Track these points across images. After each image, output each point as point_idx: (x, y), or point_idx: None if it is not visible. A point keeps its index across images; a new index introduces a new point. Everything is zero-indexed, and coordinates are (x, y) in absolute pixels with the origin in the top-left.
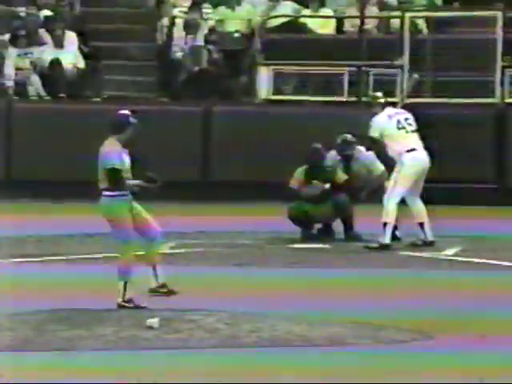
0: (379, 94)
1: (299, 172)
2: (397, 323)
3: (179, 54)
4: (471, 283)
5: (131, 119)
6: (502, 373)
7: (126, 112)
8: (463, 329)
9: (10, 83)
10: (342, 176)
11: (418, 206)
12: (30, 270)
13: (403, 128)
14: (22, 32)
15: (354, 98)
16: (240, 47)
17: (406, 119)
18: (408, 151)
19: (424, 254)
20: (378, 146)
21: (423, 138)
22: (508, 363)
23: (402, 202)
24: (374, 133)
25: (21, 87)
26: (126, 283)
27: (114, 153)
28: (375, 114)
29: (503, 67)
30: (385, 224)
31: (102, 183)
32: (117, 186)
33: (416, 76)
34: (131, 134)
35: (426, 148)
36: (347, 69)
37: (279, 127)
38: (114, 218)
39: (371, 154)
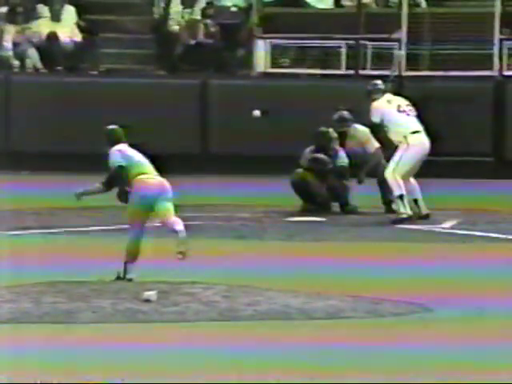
0: (378, 81)
1: (307, 153)
2: (395, 296)
3: (176, 28)
4: (469, 256)
5: None
6: (502, 345)
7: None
8: (463, 301)
9: (8, 56)
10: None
11: (411, 184)
12: (29, 242)
13: (404, 111)
14: (20, 9)
15: (351, 72)
16: (237, 21)
17: (407, 105)
18: (412, 133)
19: (421, 227)
20: (379, 131)
21: (420, 112)
22: (508, 335)
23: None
24: (374, 118)
25: (19, 60)
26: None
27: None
28: (375, 100)
29: (501, 40)
30: (400, 196)
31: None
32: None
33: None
34: None
35: (424, 121)
36: (345, 42)
37: (276, 100)
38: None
39: (367, 131)
